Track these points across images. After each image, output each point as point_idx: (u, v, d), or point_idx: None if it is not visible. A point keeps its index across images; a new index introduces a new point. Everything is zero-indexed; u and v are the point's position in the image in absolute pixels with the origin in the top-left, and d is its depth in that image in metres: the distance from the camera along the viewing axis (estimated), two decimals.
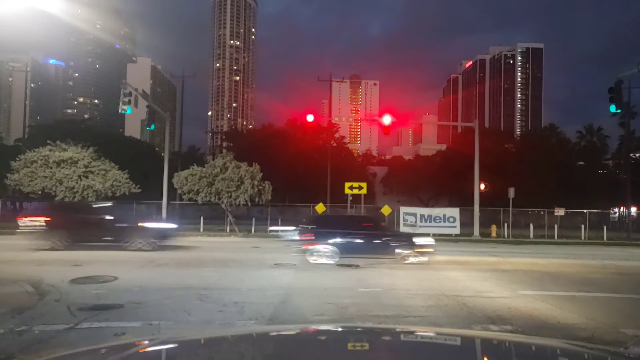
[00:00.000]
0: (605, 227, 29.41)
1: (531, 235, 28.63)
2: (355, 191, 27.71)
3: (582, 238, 28.33)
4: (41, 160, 24.39)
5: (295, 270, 12.04)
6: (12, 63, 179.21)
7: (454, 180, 40.74)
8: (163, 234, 16.35)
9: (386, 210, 27.87)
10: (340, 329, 2.75)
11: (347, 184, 27.81)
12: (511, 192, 28.44)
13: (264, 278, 10.55)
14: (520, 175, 40.14)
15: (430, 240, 14.32)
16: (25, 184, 24.02)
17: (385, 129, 24.03)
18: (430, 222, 28.32)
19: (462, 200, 33.48)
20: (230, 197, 25.82)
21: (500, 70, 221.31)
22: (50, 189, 23.92)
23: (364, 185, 28.37)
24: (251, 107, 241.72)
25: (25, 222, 17.16)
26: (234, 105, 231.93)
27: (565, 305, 8.14)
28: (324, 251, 13.26)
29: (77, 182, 24.07)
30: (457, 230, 27.94)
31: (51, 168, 24.21)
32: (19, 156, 25.21)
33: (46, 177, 23.94)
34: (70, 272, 10.30)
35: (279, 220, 26.47)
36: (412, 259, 13.43)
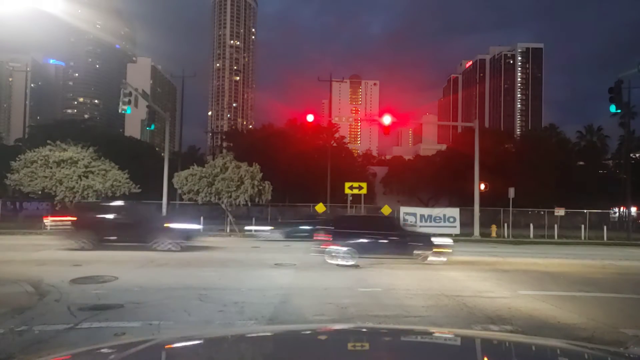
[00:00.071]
0: (605, 227, 29.41)
1: (531, 235, 28.63)
2: (355, 191, 27.72)
3: (582, 238, 28.33)
4: (41, 160, 24.39)
5: (295, 270, 12.04)
6: (12, 63, 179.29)
7: (454, 180, 40.75)
8: (188, 235, 16.41)
9: (386, 210, 27.88)
10: (340, 329, 2.75)
11: (347, 184, 27.83)
12: (511, 192, 28.45)
13: (264, 278, 10.55)
14: (520, 175, 40.14)
15: (448, 241, 14.33)
16: (25, 184, 24.02)
17: (385, 129, 24.03)
18: (430, 222, 28.32)
19: (462, 200, 33.48)
20: (230, 197, 25.82)
21: (500, 70, 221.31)
22: (50, 189, 23.92)
23: (364, 185, 28.39)
24: (251, 107, 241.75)
25: (52, 222, 17.27)
26: (234, 105, 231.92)
27: (565, 305, 8.14)
28: (342, 251, 13.26)
29: (77, 182, 24.07)
30: (457, 230, 27.93)
31: (51, 168, 24.21)
32: (19, 156, 25.21)
33: (46, 177, 23.94)
34: (70, 272, 10.30)
35: (253, 220, 26.51)
36: (431, 259, 13.44)
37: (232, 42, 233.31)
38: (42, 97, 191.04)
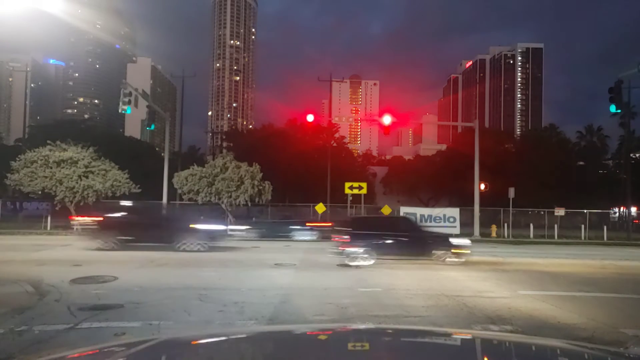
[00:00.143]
0: (605, 227, 29.41)
1: (531, 235, 28.63)
2: (356, 191, 27.73)
3: (582, 238, 28.33)
4: (41, 160, 24.39)
5: (295, 270, 12.04)
6: (12, 63, 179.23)
7: (454, 180, 40.76)
8: (213, 235, 16.43)
9: (386, 210, 27.88)
10: (340, 329, 2.75)
11: (347, 184, 27.83)
12: (511, 192, 28.45)
13: (264, 278, 10.55)
14: (520, 175, 40.15)
15: (467, 242, 14.33)
16: (25, 184, 24.02)
17: (385, 129, 24.03)
18: (431, 222, 28.31)
19: (462, 200, 33.48)
20: (231, 197, 25.83)
21: (500, 70, 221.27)
22: (51, 189, 23.93)
23: (364, 185, 28.40)
24: (251, 107, 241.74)
25: (78, 222, 17.37)
26: (234, 105, 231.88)
27: (566, 305, 8.14)
28: (360, 253, 13.26)
29: (77, 182, 24.07)
30: (457, 230, 27.91)
31: (51, 168, 24.20)
32: (19, 156, 25.21)
33: (46, 177, 23.94)
34: (70, 272, 10.30)
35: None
36: (449, 260, 13.44)
37: (232, 42, 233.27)
38: (42, 97, 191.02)
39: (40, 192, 24.66)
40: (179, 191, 26.97)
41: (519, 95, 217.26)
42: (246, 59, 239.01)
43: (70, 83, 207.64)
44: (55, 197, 24.12)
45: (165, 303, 7.46)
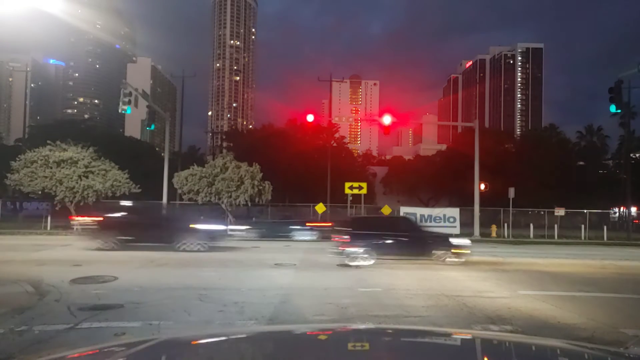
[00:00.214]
0: (605, 227, 29.41)
1: (531, 235, 28.64)
2: (356, 191, 27.73)
3: (582, 238, 28.33)
4: (41, 160, 24.38)
5: (295, 270, 12.04)
6: (12, 63, 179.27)
7: (454, 180, 40.75)
8: (213, 235, 16.46)
9: (386, 210, 27.88)
10: (340, 329, 2.75)
11: (347, 184, 27.82)
12: (511, 192, 28.44)
13: (264, 278, 10.55)
14: (520, 175, 40.14)
15: (467, 242, 14.34)
16: (25, 184, 24.02)
17: (385, 129, 24.02)
18: (431, 222, 28.31)
19: (462, 200, 33.47)
20: (231, 197, 25.83)
21: (500, 70, 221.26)
22: (51, 189, 23.92)
23: (364, 185, 28.39)
24: (251, 107, 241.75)
25: (78, 222, 17.42)
26: (234, 105, 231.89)
27: (566, 305, 8.14)
28: (361, 253, 13.27)
29: (77, 182, 24.07)
30: (457, 230, 27.90)
31: (51, 168, 24.20)
32: (19, 156, 25.21)
33: (46, 177, 23.94)
34: (70, 272, 10.30)
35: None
36: (449, 260, 13.46)
37: (232, 42, 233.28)
38: (42, 97, 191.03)
39: (40, 192, 24.66)
40: (179, 191, 26.97)
41: (519, 95, 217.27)
42: (246, 59, 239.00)
43: (70, 83, 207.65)
44: (55, 197, 24.12)
45: (165, 303, 7.46)
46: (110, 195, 24.80)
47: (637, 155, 53.40)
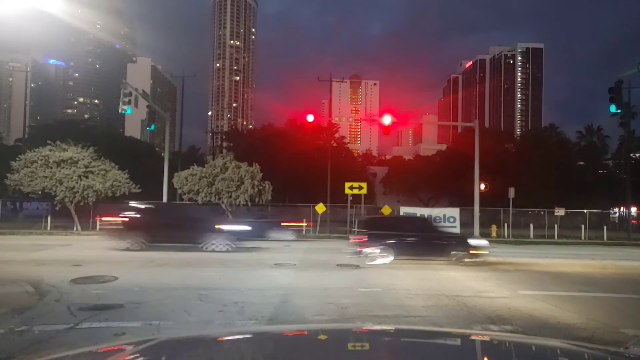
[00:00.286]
0: (605, 227, 29.42)
1: (531, 235, 28.64)
2: (356, 191, 27.71)
3: (582, 238, 28.34)
4: (41, 160, 24.37)
5: (295, 270, 12.04)
6: (12, 63, 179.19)
7: (454, 180, 40.74)
8: (238, 236, 16.49)
9: (386, 210, 27.86)
10: (340, 329, 2.75)
11: (347, 184, 27.80)
12: (511, 192, 28.44)
13: (264, 278, 10.55)
14: (520, 175, 40.16)
15: (484, 242, 14.37)
16: (25, 184, 24.01)
17: (385, 129, 23.99)
18: None
19: (462, 200, 33.46)
20: (231, 197, 25.82)
21: (500, 70, 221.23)
22: (51, 189, 23.91)
23: (364, 185, 28.37)
24: (251, 107, 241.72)
25: (105, 222, 17.47)
26: (234, 105, 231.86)
27: (565, 305, 8.14)
28: (378, 253, 13.28)
29: (77, 182, 24.06)
30: (457, 231, 27.86)
31: (51, 168, 24.19)
32: (19, 156, 25.19)
33: (46, 177, 23.92)
34: (70, 272, 10.30)
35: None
36: (467, 261, 13.47)
37: (232, 42, 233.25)
38: (42, 97, 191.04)
39: (40, 192, 24.64)
40: (179, 191, 26.96)
41: (519, 95, 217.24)
42: (246, 59, 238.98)
43: (70, 83, 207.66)
44: (55, 197, 24.11)
45: (165, 303, 7.46)
46: (110, 195, 24.79)
47: (637, 155, 53.39)
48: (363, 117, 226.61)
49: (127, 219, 16.16)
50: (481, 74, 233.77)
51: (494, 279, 11.12)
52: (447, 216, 28.73)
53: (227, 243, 15.82)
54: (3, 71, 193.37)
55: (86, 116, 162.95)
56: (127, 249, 15.24)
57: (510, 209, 28.88)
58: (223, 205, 26.44)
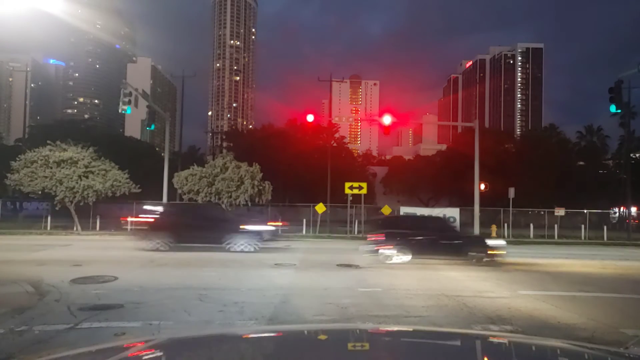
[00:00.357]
0: (605, 227, 29.42)
1: (531, 235, 28.64)
2: (356, 191, 27.69)
3: (582, 238, 28.34)
4: (41, 160, 24.36)
5: (295, 270, 12.04)
6: (12, 63, 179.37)
7: (454, 180, 40.71)
8: (263, 236, 16.51)
9: (386, 210, 27.85)
10: (340, 329, 2.75)
11: (347, 184, 27.79)
12: (511, 192, 28.43)
13: (264, 278, 10.55)
14: (520, 175, 40.13)
15: (502, 243, 14.36)
16: (26, 184, 24.01)
17: (385, 129, 23.98)
18: None
19: (462, 200, 33.45)
20: (231, 197, 25.81)
21: (500, 70, 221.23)
22: (51, 189, 23.91)
23: (364, 185, 28.36)
24: (251, 107, 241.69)
25: (131, 222, 17.49)
26: (234, 105, 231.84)
27: (566, 305, 8.14)
28: (395, 253, 13.28)
29: (77, 182, 24.05)
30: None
31: (51, 168, 24.18)
32: (19, 156, 25.19)
33: (46, 177, 23.92)
34: (70, 272, 10.30)
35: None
36: (485, 261, 13.46)
37: (232, 42, 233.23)
38: (42, 97, 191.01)
39: (40, 192, 24.63)
40: (179, 191, 26.94)
41: (519, 95, 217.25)
42: (246, 59, 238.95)
43: (70, 83, 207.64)
44: (55, 197, 24.10)
45: (165, 303, 7.46)
46: (110, 195, 24.79)
47: (637, 155, 53.36)
48: (363, 117, 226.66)
49: (152, 220, 16.20)
50: (481, 74, 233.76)
51: (494, 279, 11.12)
52: (447, 216, 28.64)
53: (252, 243, 15.87)
54: (3, 71, 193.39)
55: (86, 116, 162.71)
56: (154, 250, 15.28)
57: (510, 209, 28.88)
58: (223, 205, 26.42)
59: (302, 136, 48.23)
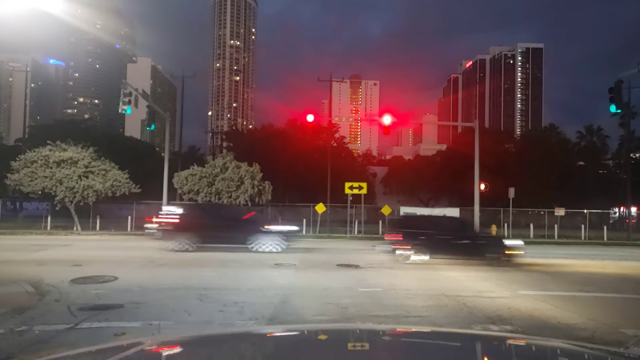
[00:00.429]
0: (605, 227, 29.42)
1: (531, 235, 28.63)
2: (356, 191, 27.69)
3: (582, 238, 28.33)
4: (41, 160, 24.37)
5: (295, 271, 12.03)
6: (12, 63, 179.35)
7: (454, 180, 40.70)
8: (287, 236, 16.53)
9: (386, 210, 27.84)
10: (340, 329, 2.75)
11: (347, 184, 27.78)
12: (511, 192, 28.43)
13: (264, 278, 10.54)
14: (520, 175, 40.11)
15: (520, 243, 14.35)
16: (26, 184, 24.01)
17: (385, 129, 23.97)
18: None
19: (462, 200, 33.45)
20: (231, 197, 25.82)
21: (500, 70, 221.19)
22: (51, 189, 23.92)
23: (364, 185, 28.34)
24: (251, 107, 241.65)
25: (156, 222, 17.57)
26: (234, 105, 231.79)
27: (566, 305, 8.14)
28: (413, 253, 13.29)
29: (77, 182, 24.06)
30: None
31: (51, 168, 24.19)
32: (19, 156, 25.20)
33: (46, 177, 23.93)
34: (70, 272, 10.30)
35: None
36: (503, 261, 13.46)
37: (232, 42, 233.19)
38: (42, 97, 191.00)
39: (40, 192, 24.64)
40: (179, 191, 26.96)
41: (519, 95, 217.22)
42: (246, 59, 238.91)
43: (70, 83, 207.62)
44: (55, 197, 24.11)
45: (165, 303, 7.46)
46: (110, 195, 24.80)
47: (637, 155, 53.35)
48: (363, 117, 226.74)
49: (177, 220, 16.20)
50: (481, 74, 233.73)
51: (494, 279, 11.12)
52: (447, 216, 28.71)
53: (276, 243, 15.92)
54: (3, 71, 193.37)
55: (86, 116, 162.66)
56: (180, 250, 15.32)
57: (510, 209, 28.88)
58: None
59: (302, 136, 48.21)
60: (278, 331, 2.70)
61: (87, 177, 24.51)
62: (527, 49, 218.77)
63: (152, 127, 26.55)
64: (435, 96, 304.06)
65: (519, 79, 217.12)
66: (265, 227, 16.37)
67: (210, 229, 15.88)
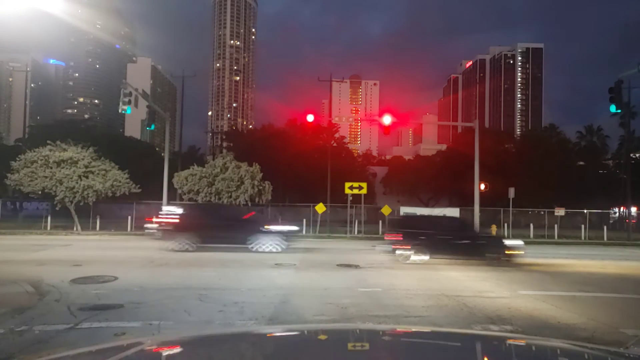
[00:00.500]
0: (605, 227, 29.43)
1: (531, 235, 28.63)
2: (356, 191, 27.69)
3: (582, 238, 28.33)
4: (41, 160, 24.37)
5: (295, 271, 12.03)
6: (12, 63, 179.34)
7: (454, 180, 40.70)
8: (287, 236, 16.55)
9: (386, 210, 27.85)
10: (340, 329, 2.75)
11: (347, 184, 27.78)
12: (511, 192, 28.43)
13: (264, 278, 10.55)
14: (520, 175, 40.12)
15: (520, 243, 14.36)
16: (26, 184, 24.01)
17: (385, 129, 23.96)
18: None
19: (462, 200, 33.46)
20: (231, 197, 25.83)
21: (500, 70, 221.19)
22: (51, 189, 23.92)
23: (364, 185, 28.35)
24: (251, 107, 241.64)
25: (156, 222, 17.58)
26: (234, 105, 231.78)
27: (566, 305, 8.14)
28: (413, 253, 13.30)
29: (77, 182, 24.06)
30: None
31: (51, 168, 24.19)
32: (19, 156, 25.20)
33: (46, 177, 23.93)
34: (70, 272, 10.30)
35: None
36: (503, 261, 13.46)
37: (232, 42, 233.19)
38: (42, 97, 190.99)
39: (40, 192, 24.64)
40: (179, 191, 26.96)
41: (519, 95, 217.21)
42: (246, 59, 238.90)
43: (70, 83, 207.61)
44: (55, 197, 24.11)
45: (165, 303, 7.46)
46: (110, 195, 24.80)
47: (637, 155, 53.34)
48: (363, 117, 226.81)
49: (177, 220, 16.21)
50: (481, 74, 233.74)
51: (494, 279, 11.12)
52: (447, 216, 28.70)
53: (276, 243, 15.93)
54: (3, 71, 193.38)
55: (86, 116, 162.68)
56: (180, 250, 15.31)
57: (510, 209, 28.88)
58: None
59: (302, 136, 48.20)
60: (278, 331, 2.70)
61: (87, 177, 24.51)
62: (527, 49, 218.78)
63: (152, 127, 26.54)
64: (435, 96, 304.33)
65: (519, 79, 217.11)
66: (265, 227, 16.38)
67: (210, 229, 15.89)
